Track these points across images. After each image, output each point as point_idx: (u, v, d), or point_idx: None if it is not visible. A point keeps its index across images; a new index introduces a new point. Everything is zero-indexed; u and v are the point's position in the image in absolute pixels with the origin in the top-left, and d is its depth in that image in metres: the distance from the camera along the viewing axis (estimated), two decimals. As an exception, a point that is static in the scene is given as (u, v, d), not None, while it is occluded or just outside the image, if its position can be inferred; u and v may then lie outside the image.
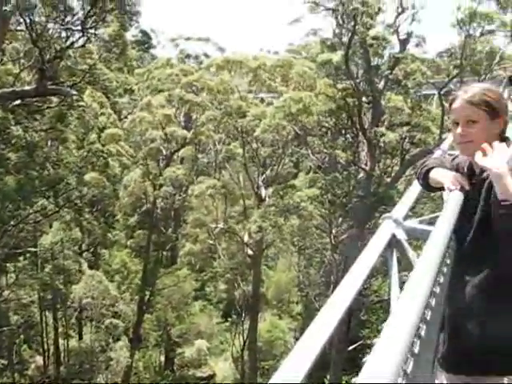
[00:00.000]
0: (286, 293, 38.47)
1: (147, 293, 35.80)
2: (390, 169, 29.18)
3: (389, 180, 28.13)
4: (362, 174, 28.29)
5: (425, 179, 2.84)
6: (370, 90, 28.08)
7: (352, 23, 29.08)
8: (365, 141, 27.64)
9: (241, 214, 36.11)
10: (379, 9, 29.90)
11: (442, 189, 2.71)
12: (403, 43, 29.13)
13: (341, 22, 30.46)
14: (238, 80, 37.80)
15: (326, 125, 30.14)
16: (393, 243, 2.34)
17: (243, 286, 34.84)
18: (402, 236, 2.39)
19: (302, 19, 35.75)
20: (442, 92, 27.32)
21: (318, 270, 33.27)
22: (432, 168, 2.82)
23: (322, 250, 31.83)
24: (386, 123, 28.40)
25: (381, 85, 28.61)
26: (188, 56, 58.27)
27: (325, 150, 30.06)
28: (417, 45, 30.96)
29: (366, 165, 27.68)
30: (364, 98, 28.08)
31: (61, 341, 33.19)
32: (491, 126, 2.55)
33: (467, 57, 29.02)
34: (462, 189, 2.57)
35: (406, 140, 27.95)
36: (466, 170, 2.69)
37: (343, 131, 30.11)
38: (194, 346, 35.08)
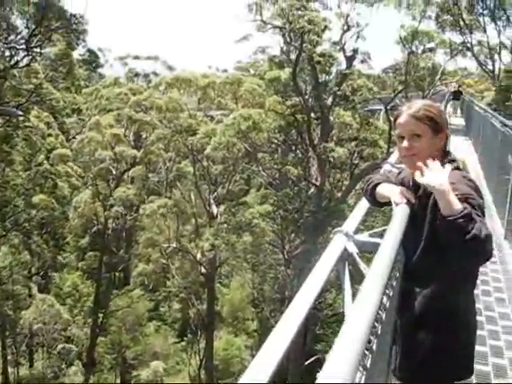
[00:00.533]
0: (241, 310, 38.26)
1: (100, 315, 35.10)
2: (340, 183, 29.56)
3: (339, 194, 28.49)
4: (312, 189, 28.57)
5: (372, 195, 2.90)
6: (319, 106, 28.46)
7: (299, 41, 29.45)
8: (315, 156, 27.94)
9: (193, 232, 35.87)
10: (325, 27, 30.39)
11: (389, 203, 2.74)
12: (349, 60, 29.72)
13: (288, 39, 30.84)
14: (188, 98, 37.78)
15: (276, 141, 30.36)
16: (344, 257, 2.36)
17: (198, 304, 34.53)
18: (353, 249, 2.41)
19: (249, 37, 35.99)
20: (388, 107, 27.89)
21: (272, 286, 33.24)
22: (378, 183, 2.88)
23: (276, 266, 31.86)
24: (334, 138, 28.82)
25: (329, 101, 29.02)
26: (137, 75, 58.01)
27: (275, 166, 30.23)
28: (362, 61, 31.68)
29: (316, 180, 27.97)
30: (313, 114, 28.44)
31: (10, 369, 32.12)
32: (434, 140, 2.64)
33: (411, 73, 29.88)
34: (408, 202, 2.62)
35: (355, 154, 28.39)
36: (411, 183, 2.74)
37: (293, 147, 30.39)
38: (149, 368, 34.43)
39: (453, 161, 2.64)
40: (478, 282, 6.31)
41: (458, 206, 2.26)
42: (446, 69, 35.52)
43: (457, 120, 30.43)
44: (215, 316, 35.11)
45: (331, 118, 28.29)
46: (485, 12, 26.53)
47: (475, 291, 5.98)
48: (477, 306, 5.57)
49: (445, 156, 2.66)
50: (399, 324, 2.65)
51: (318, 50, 29.74)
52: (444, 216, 2.27)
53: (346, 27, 29.63)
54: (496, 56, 28.08)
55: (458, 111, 32.66)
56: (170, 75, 41.91)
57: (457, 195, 2.33)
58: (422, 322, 2.54)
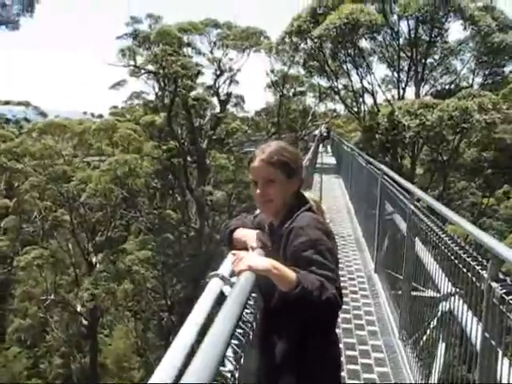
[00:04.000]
0: (126, 360, 37.05)
1: (-29, 379, 32.63)
2: (219, 226, 29.70)
3: (219, 237, 28.62)
4: (192, 233, 28.52)
5: (229, 240, 2.82)
6: (195, 150, 28.70)
7: (173, 86, 29.72)
8: (193, 200, 28.00)
9: (72, 282, 34.52)
10: (199, 71, 30.93)
11: (246, 249, 2.64)
12: (223, 103, 30.34)
13: (162, 84, 31.03)
14: (63, 144, 36.73)
15: (154, 186, 30.16)
16: (221, 300, 2.31)
17: (80, 358, 33.09)
18: (229, 292, 2.35)
19: (124, 82, 35.84)
20: None
21: (156, 333, 32.57)
22: (236, 228, 2.84)
23: (159, 312, 31.30)
24: (212, 181, 29.08)
25: (204, 144, 29.33)
26: (7, 121, 55.74)
27: (154, 212, 29.94)
28: (236, 104, 32.36)
29: (195, 223, 27.97)
30: (189, 158, 28.61)
31: None
32: (289, 184, 2.59)
33: (283, 115, 30.94)
34: (264, 246, 2.57)
35: (233, 196, 28.74)
36: (267, 227, 2.71)
37: (171, 191, 30.29)
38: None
39: (305, 203, 2.60)
40: (350, 316, 6.61)
41: (291, 281, 2.16)
42: (317, 111, 37.29)
43: (329, 159, 31.73)
44: (99, 368, 33.74)
45: (207, 161, 28.55)
46: (347, 59, 27.97)
47: (349, 326, 6.26)
48: (350, 340, 5.87)
49: (299, 198, 2.62)
50: (261, 369, 2.61)
51: (192, 94, 30.14)
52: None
53: (218, 72, 30.26)
54: (360, 99, 29.62)
55: (329, 149, 34.10)
56: (44, 121, 40.65)
57: (305, 241, 2.33)
58: (283, 368, 2.46)
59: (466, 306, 3.55)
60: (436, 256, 4.45)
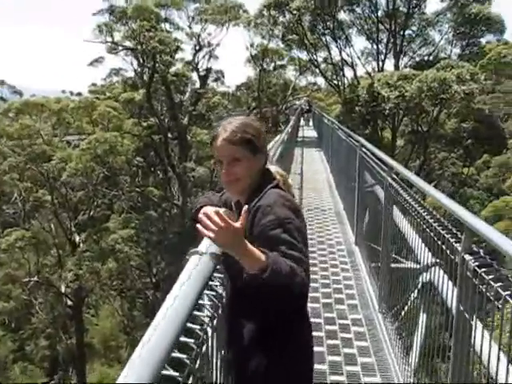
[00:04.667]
0: (113, 339, 37.16)
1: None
2: (202, 202, 29.69)
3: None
4: (175, 210, 28.46)
5: (195, 218, 2.55)
6: (175, 126, 28.49)
7: (152, 62, 29.38)
8: (175, 176, 27.89)
9: (56, 263, 34.36)
10: (177, 47, 30.59)
11: None
12: (203, 79, 30.12)
13: (141, 61, 30.66)
14: (41, 124, 36.27)
15: (136, 164, 29.96)
16: None
17: (66, 339, 33.09)
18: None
19: (102, 59, 35.40)
20: None
21: (142, 311, 32.65)
22: (202, 206, 2.67)
23: (145, 290, 31.34)
24: (194, 157, 28.95)
25: (185, 120, 29.17)
26: (-19, 101, 54.79)
27: (137, 189, 29.80)
28: (216, 80, 32.13)
29: (178, 200, 27.90)
30: (170, 135, 28.43)
31: None
32: (254, 161, 2.49)
33: (264, 89, 30.80)
34: None
35: (215, 172, 28.68)
36: (233, 205, 2.64)
37: (153, 169, 30.12)
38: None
39: (272, 179, 2.52)
40: (331, 290, 6.61)
41: (260, 264, 2.05)
42: (298, 84, 37.15)
43: (310, 132, 31.76)
44: (86, 348, 33.78)
45: (188, 138, 28.39)
46: (326, 32, 27.84)
47: (329, 300, 6.26)
48: (330, 315, 5.84)
49: (265, 175, 2.54)
50: (230, 357, 2.56)
51: (172, 70, 29.85)
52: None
53: (197, 47, 29.96)
54: (340, 72, 29.57)
55: (311, 123, 34.10)
56: (20, 100, 40.07)
57: (273, 220, 2.25)
58: (252, 350, 2.40)
59: (446, 277, 3.51)
60: (414, 228, 4.42)
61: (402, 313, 4.96)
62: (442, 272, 3.63)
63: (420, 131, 28.32)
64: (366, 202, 7.99)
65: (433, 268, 3.88)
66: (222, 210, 2.49)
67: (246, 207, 2.22)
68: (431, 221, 3.81)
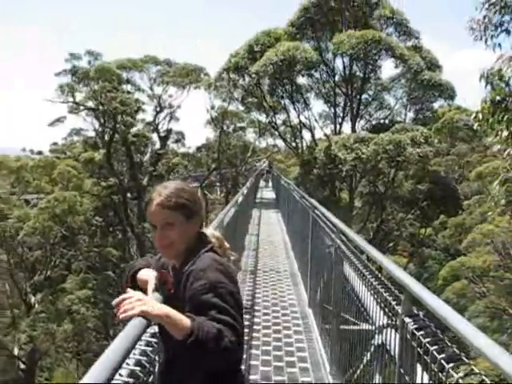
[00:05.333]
0: (67, 404, 35.74)
1: None
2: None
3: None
4: (133, 270, 28.03)
5: (131, 280, 2.69)
6: (135, 186, 28.44)
7: (113, 122, 29.55)
8: (134, 237, 27.66)
9: (9, 325, 33.22)
10: (139, 108, 30.89)
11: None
12: (164, 140, 30.31)
13: (102, 121, 30.80)
14: (-1, 182, 35.79)
15: (95, 223, 29.65)
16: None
17: (18, 404, 31.64)
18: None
19: (63, 119, 35.38)
20: (203, 184, 28.53)
21: (98, 375, 31.50)
22: (140, 269, 2.68)
23: (101, 353, 30.37)
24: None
25: (145, 181, 29.14)
26: None
27: (95, 249, 29.38)
28: (177, 141, 32.35)
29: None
30: (129, 195, 28.32)
31: None
32: (188, 226, 2.49)
33: (223, 151, 31.14)
34: (166, 289, 2.51)
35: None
36: (170, 269, 2.61)
37: (112, 229, 29.82)
38: None
39: (207, 243, 2.53)
40: (282, 353, 6.56)
41: (185, 329, 2.09)
42: (257, 146, 37.84)
43: (269, 193, 31.99)
44: (38, 415, 32.39)
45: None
46: (285, 95, 28.55)
47: (280, 363, 6.19)
48: (280, 378, 5.79)
49: (200, 239, 2.54)
50: None
51: (133, 130, 30.05)
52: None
53: (158, 109, 30.28)
54: (298, 134, 30.18)
55: (270, 184, 34.46)
56: (-22, 159, 39.48)
57: (204, 284, 2.26)
58: None
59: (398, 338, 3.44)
60: (364, 289, 4.44)
61: (355, 376, 4.87)
62: (393, 333, 3.55)
63: (377, 192, 28.87)
64: (319, 264, 8.02)
65: (385, 329, 3.83)
66: (154, 275, 2.54)
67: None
68: (375, 283, 3.89)
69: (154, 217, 2.50)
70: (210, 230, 2.73)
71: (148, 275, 2.63)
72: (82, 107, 31.42)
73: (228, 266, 2.49)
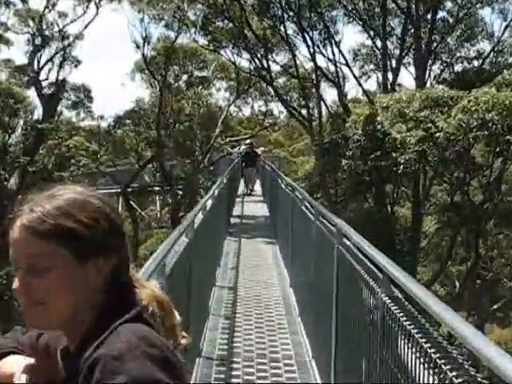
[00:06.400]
0: None
1: None
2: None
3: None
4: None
5: None
6: None
7: None
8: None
9: None
10: None
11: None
12: (50, 102, 17.77)
13: None
14: None
15: None
16: None
17: None
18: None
19: None
20: (128, 189, 16.39)
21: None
22: (1, 354, 1.51)
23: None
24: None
25: (12, 182, 16.40)
26: None
27: None
28: (76, 104, 20.58)
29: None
30: None
31: None
32: (83, 272, 1.31)
33: (167, 125, 17.86)
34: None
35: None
36: (58, 353, 1.43)
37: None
38: None
39: (131, 304, 1.35)
40: None
41: None
42: (235, 116, 24.84)
43: (256, 207, 20.08)
44: None
45: None
46: (287, 15, 16.03)
47: None
48: None
49: (115, 296, 1.35)
50: None
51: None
52: None
53: (39, 40, 16.80)
54: (313, 92, 16.84)
55: (257, 188, 21.06)
56: None
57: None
58: None
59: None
60: None
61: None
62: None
63: (469, 204, 15.61)
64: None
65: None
66: (26, 364, 1.50)
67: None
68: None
69: (15, 249, 1.38)
70: (148, 284, 1.51)
71: (16, 366, 1.53)
72: None
73: (166, 344, 1.36)
